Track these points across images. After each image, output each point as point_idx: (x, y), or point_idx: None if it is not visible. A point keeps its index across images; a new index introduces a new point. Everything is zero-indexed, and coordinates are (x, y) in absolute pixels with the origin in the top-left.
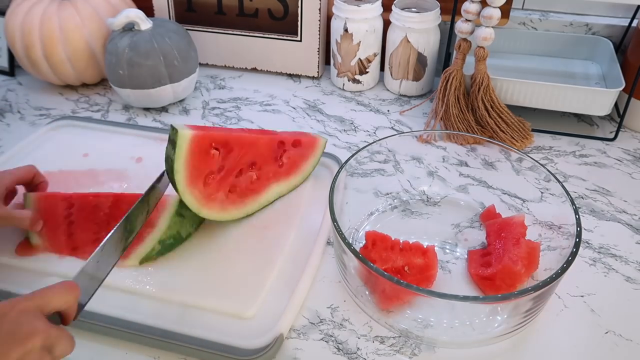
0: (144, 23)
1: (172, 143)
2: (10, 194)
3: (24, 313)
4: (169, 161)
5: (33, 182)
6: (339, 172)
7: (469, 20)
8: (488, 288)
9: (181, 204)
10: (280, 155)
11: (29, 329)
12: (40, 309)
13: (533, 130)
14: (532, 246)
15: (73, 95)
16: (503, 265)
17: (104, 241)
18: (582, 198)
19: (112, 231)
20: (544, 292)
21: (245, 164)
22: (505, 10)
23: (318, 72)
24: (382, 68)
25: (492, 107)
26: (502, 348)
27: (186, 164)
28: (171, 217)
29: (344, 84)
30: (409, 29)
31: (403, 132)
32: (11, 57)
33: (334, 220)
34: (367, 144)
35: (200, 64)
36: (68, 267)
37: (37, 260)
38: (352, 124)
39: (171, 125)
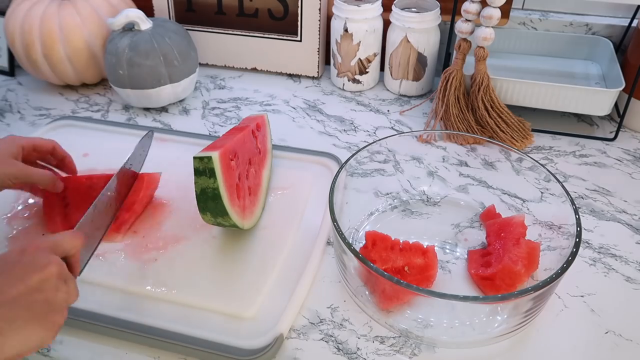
0: (144, 23)
1: (208, 172)
2: (30, 164)
3: (40, 249)
4: (208, 192)
5: (54, 155)
6: (339, 172)
7: (469, 20)
8: (488, 288)
9: None
10: (256, 143)
11: (46, 259)
12: (52, 249)
13: (533, 130)
14: (532, 246)
15: (73, 95)
16: (503, 265)
17: (95, 201)
18: (582, 198)
19: (101, 193)
20: (544, 292)
21: (245, 163)
22: (505, 10)
23: (318, 72)
24: (382, 68)
25: (492, 107)
26: (502, 348)
27: (224, 186)
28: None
29: (344, 84)
30: (409, 29)
31: (403, 132)
32: (11, 57)
33: (334, 220)
34: (367, 144)
35: (200, 64)
36: None
37: None
38: (352, 124)
39: (195, 157)
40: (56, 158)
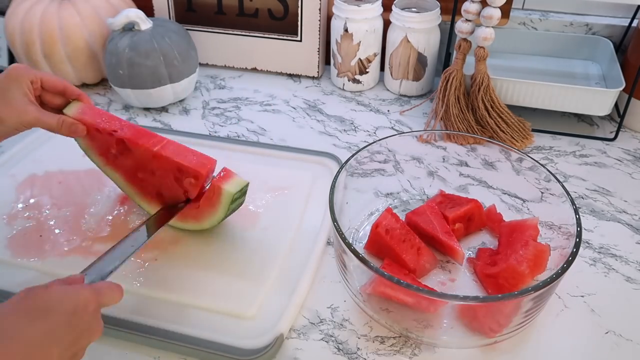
0: (144, 23)
1: (243, 193)
2: (43, 105)
3: (97, 311)
4: (234, 205)
5: (67, 96)
6: (339, 172)
7: (469, 20)
8: (491, 286)
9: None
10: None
11: (98, 326)
12: (99, 304)
13: (533, 130)
14: (541, 249)
15: None
16: (508, 265)
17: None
18: (582, 198)
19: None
20: (544, 292)
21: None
22: (505, 10)
23: (318, 72)
24: (382, 68)
25: (492, 107)
26: (502, 348)
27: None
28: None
29: (344, 84)
30: (409, 29)
31: (403, 132)
32: (11, 57)
33: (334, 220)
34: (367, 144)
35: (200, 64)
36: (69, 267)
37: (37, 261)
38: (352, 124)
39: (233, 196)
40: (69, 97)
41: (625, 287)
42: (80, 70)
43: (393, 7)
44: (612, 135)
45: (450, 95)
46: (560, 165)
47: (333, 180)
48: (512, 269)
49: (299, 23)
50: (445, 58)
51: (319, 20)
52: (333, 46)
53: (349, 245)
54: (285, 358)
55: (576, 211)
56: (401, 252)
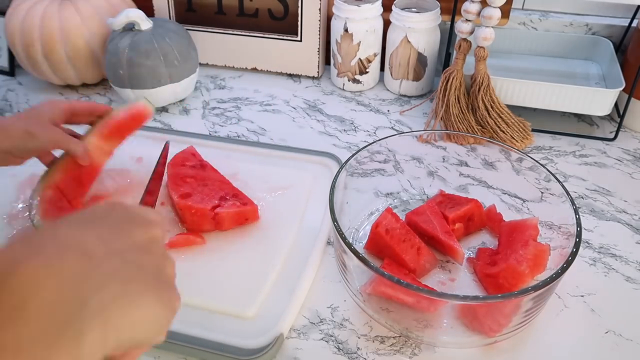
0: (144, 23)
1: None
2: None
3: (136, 206)
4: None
5: (94, 114)
6: (339, 172)
7: (469, 20)
8: (491, 286)
9: None
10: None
11: (151, 215)
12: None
13: (533, 130)
14: (541, 249)
15: (73, 95)
16: (507, 265)
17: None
18: (582, 198)
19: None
20: (544, 292)
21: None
22: (505, 10)
23: (318, 72)
24: (382, 68)
25: (492, 107)
26: (502, 348)
27: None
28: None
29: (344, 84)
30: (409, 29)
31: (403, 132)
32: (11, 57)
33: (334, 220)
34: (367, 144)
35: (200, 64)
36: None
37: None
38: (352, 124)
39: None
40: (98, 115)
41: (625, 287)
42: (80, 70)
43: (393, 7)
44: (612, 135)
45: (450, 95)
46: (560, 165)
47: (333, 180)
48: (512, 269)
49: (299, 23)
50: (445, 58)
51: (319, 20)
52: (333, 46)
53: (349, 245)
54: (285, 358)
55: (576, 211)
56: (401, 252)
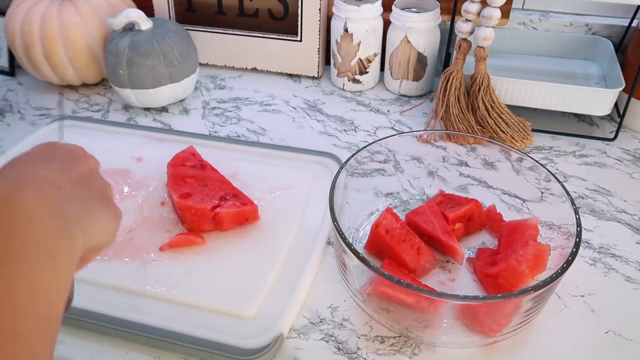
0: (144, 23)
1: None
2: None
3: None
4: None
5: None
6: (339, 172)
7: (469, 20)
8: (491, 286)
9: None
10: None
11: (82, 152)
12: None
13: (533, 130)
14: (541, 249)
15: (73, 95)
16: (507, 265)
17: None
18: (582, 198)
19: None
20: (544, 292)
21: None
22: (505, 10)
23: (318, 72)
24: (382, 68)
25: (492, 107)
26: (502, 348)
27: None
28: None
29: (344, 84)
30: (409, 29)
31: (403, 132)
32: (11, 57)
33: (334, 220)
34: (367, 144)
35: (200, 64)
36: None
37: None
38: (352, 124)
39: None
40: None
41: (625, 287)
42: (80, 70)
43: (393, 7)
44: (612, 135)
45: (450, 95)
46: (560, 165)
47: (333, 180)
48: (512, 269)
49: (299, 23)
50: (445, 58)
51: (319, 20)
52: (333, 46)
53: (349, 245)
54: (285, 358)
55: (576, 211)
56: (401, 252)
